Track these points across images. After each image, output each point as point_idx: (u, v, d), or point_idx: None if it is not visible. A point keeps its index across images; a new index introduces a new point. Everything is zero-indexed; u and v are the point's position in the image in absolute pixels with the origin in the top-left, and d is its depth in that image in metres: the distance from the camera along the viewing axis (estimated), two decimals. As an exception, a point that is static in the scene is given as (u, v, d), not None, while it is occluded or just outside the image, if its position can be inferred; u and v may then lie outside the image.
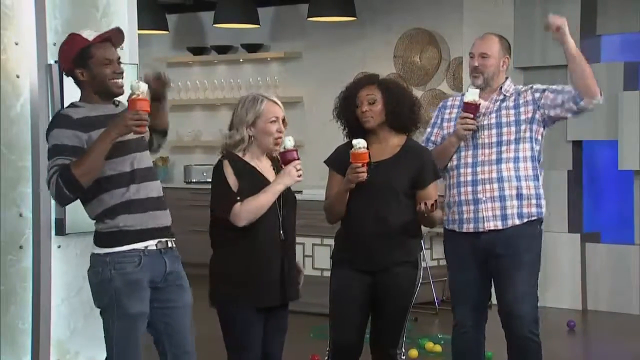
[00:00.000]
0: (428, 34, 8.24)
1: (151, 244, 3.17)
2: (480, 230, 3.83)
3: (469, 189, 3.85)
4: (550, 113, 3.87)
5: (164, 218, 3.24)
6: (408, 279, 3.73)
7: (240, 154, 3.47)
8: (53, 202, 3.80)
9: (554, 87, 3.92)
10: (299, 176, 3.43)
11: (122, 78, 3.18)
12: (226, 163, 3.43)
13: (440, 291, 7.30)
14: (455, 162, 3.90)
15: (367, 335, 3.79)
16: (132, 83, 3.07)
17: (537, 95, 3.89)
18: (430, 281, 7.10)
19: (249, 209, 3.38)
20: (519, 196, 3.83)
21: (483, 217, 3.82)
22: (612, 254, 7.05)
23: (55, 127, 3.12)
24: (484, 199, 3.82)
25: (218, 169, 3.45)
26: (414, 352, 5.58)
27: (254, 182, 3.44)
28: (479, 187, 3.83)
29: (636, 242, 7.01)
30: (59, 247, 3.83)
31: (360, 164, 3.56)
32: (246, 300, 3.41)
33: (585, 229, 7.25)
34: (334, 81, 9.27)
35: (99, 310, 3.19)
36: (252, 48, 9.15)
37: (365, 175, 3.57)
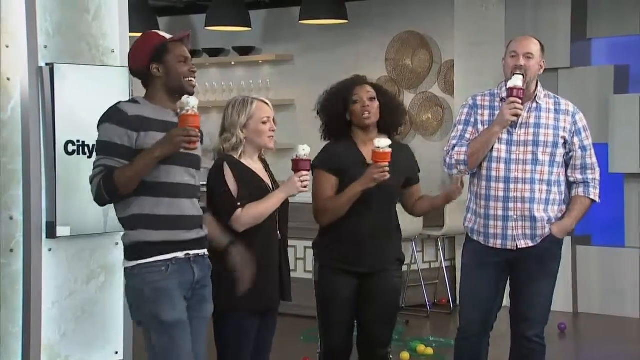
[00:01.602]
0: (420, 37, 8.26)
1: (179, 255, 3.12)
2: (509, 247, 3.77)
3: (500, 204, 3.75)
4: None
5: (194, 233, 3.17)
6: (398, 277, 3.77)
7: (236, 156, 3.48)
8: (44, 205, 3.80)
9: (586, 156, 3.83)
10: (303, 187, 3.45)
11: (195, 78, 3.18)
12: (226, 166, 3.44)
13: (432, 294, 7.32)
14: (484, 172, 3.78)
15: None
16: (182, 99, 3.06)
17: (574, 138, 3.80)
18: (421, 284, 7.11)
19: (250, 216, 3.39)
20: (550, 219, 3.76)
21: (513, 235, 3.76)
22: (603, 257, 7.08)
23: (108, 121, 3.08)
24: (515, 217, 3.75)
25: (218, 172, 3.44)
26: (405, 355, 5.59)
27: (252, 185, 3.45)
28: (511, 205, 3.74)
29: (627, 245, 7.04)
30: (49, 250, 3.82)
31: (386, 163, 3.55)
32: (246, 304, 3.41)
33: (576, 231, 7.26)
34: (325, 84, 9.21)
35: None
36: (243, 51, 9.14)
37: (388, 175, 3.57)
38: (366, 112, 3.69)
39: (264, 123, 3.48)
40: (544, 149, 3.76)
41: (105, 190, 3.04)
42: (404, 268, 7.47)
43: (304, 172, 3.44)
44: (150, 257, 3.09)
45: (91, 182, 3.09)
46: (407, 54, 8.33)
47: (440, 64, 8.22)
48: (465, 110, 3.89)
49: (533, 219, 3.76)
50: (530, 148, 3.76)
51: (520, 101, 3.69)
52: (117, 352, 3.94)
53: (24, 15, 3.77)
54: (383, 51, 8.41)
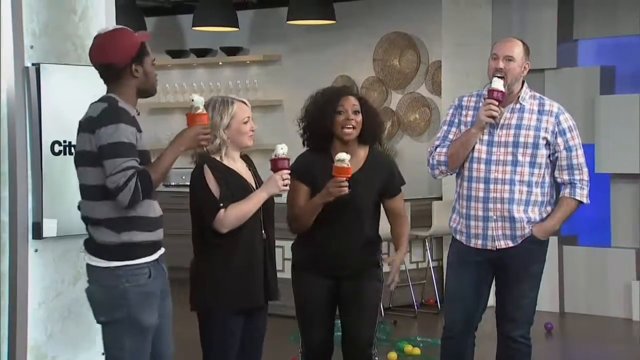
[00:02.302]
0: (407, 38, 8.27)
1: (156, 256, 3.17)
2: (489, 247, 3.80)
3: (480, 204, 3.78)
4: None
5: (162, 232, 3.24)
6: (375, 278, 3.79)
7: (217, 158, 3.48)
8: (30, 205, 3.78)
9: (568, 154, 3.83)
10: (284, 185, 3.45)
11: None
12: (206, 168, 3.44)
13: (419, 294, 7.33)
14: (466, 173, 3.80)
15: (340, 339, 3.82)
16: (194, 98, 3.16)
17: (557, 139, 3.81)
18: (409, 284, 7.13)
19: (233, 217, 3.39)
20: (529, 220, 3.77)
21: (493, 235, 3.79)
22: (589, 257, 7.11)
23: (120, 122, 3.04)
24: (495, 217, 3.77)
25: (198, 176, 3.45)
26: (393, 355, 5.60)
27: (235, 185, 3.45)
28: (490, 205, 3.76)
29: (613, 245, 7.08)
30: (36, 251, 3.80)
31: (344, 178, 3.57)
32: (231, 303, 3.42)
33: (563, 231, 7.30)
34: (313, 84, 9.23)
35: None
36: (231, 51, 9.14)
37: (347, 189, 3.59)
38: (349, 126, 3.69)
39: (244, 123, 3.50)
40: (524, 150, 3.78)
41: (143, 190, 3.03)
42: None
43: (285, 171, 3.45)
44: (137, 258, 3.10)
45: (121, 187, 2.99)
46: (395, 54, 8.34)
47: (427, 64, 8.24)
48: (451, 111, 3.92)
49: (512, 219, 3.77)
50: (510, 149, 3.78)
51: (496, 103, 3.71)
52: (103, 353, 3.93)
53: (9, 16, 3.75)
54: (371, 52, 8.42)
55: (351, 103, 3.71)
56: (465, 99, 3.92)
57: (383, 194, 3.79)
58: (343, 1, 8.44)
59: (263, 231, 3.50)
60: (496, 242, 3.80)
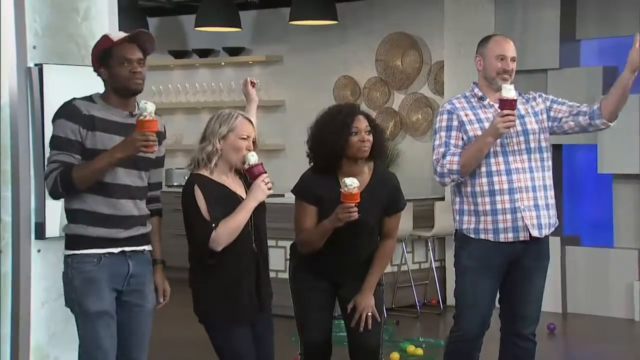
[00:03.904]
0: (409, 38, 8.27)
1: (113, 250, 3.24)
2: (521, 239, 3.77)
3: (506, 197, 3.76)
4: (564, 126, 3.86)
5: (134, 231, 3.27)
6: (377, 284, 3.76)
7: (207, 173, 3.44)
8: (33, 206, 3.79)
9: (561, 99, 3.92)
10: (269, 189, 3.44)
11: (141, 78, 3.26)
12: (196, 188, 3.41)
13: (422, 295, 7.33)
14: (483, 169, 3.78)
15: (346, 343, 3.82)
16: (141, 104, 3.19)
17: (548, 104, 3.88)
18: (411, 284, 7.12)
19: (225, 233, 3.37)
20: (547, 206, 3.81)
21: (524, 225, 3.76)
22: (592, 257, 7.10)
23: (62, 117, 3.23)
24: (523, 207, 3.77)
25: (189, 196, 3.43)
26: (395, 356, 5.59)
27: (225, 201, 3.42)
28: (517, 196, 3.76)
29: (615, 246, 7.07)
30: (38, 251, 3.81)
31: (353, 204, 3.55)
32: (226, 317, 3.42)
33: (565, 232, 7.30)
34: (315, 85, 9.32)
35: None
36: (233, 51, 9.14)
37: (357, 214, 3.56)
38: (365, 146, 3.66)
39: (242, 139, 3.44)
40: (533, 137, 3.82)
41: (62, 185, 3.18)
42: (394, 269, 7.49)
43: (263, 175, 3.42)
44: (85, 249, 3.23)
45: (47, 178, 3.22)
46: (397, 54, 8.34)
47: (430, 64, 8.23)
48: (445, 116, 3.86)
49: (538, 207, 3.79)
50: (522, 138, 3.81)
51: (514, 113, 3.70)
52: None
53: (12, 16, 3.76)
54: (373, 52, 8.42)
55: (364, 123, 3.70)
56: (455, 101, 3.91)
57: (385, 212, 3.77)
58: (345, 1, 8.44)
59: (254, 244, 3.47)
60: (527, 231, 3.77)
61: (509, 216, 3.77)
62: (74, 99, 3.29)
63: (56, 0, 3.89)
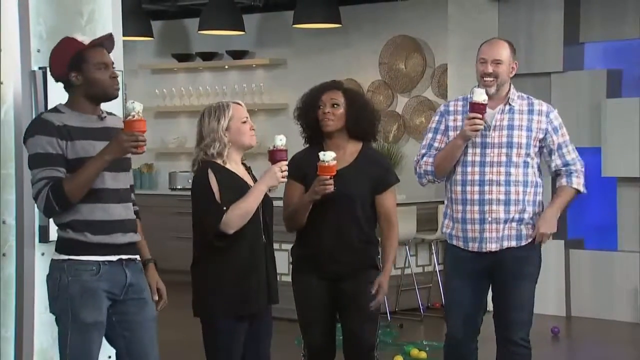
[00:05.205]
0: (413, 41, 8.27)
1: (112, 258, 3.16)
2: (484, 250, 3.80)
3: (476, 207, 3.77)
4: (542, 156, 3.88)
5: (129, 237, 3.21)
6: (373, 280, 3.75)
7: (220, 162, 3.47)
8: (37, 209, 3.78)
9: (563, 150, 3.86)
10: (283, 177, 3.45)
11: (118, 84, 3.18)
12: (210, 173, 3.43)
13: (425, 298, 7.32)
14: (459, 177, 3.81)
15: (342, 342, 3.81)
16: (128, 104, 3.07)
17: (548, 136, 3.83)
18: (415, 288, 7.12)
19: (237, 215, 3.39)
20: (521, 220, 3.80)
21: (489, 237, 3.78)
22: (596, 260, 7.09)
23: (36, 133, 3.09)
24: (490, 219, 3.77)
25: (202, 179, 3.44)
26: (399, 359, 5.59)
27: (237, 189, 3.45)
28: (486, 207, 3.76)
29: (619, 249, 7.06)
30: (42, 254, 3.80)
31: (328, 177, 3.57)
32: (233, 308, 3.41)
33: (569, 235, 7.29)
34: (319, 88, 9.32)
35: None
36: (237, 55, 9.15)
37: (332, 187, 3.59)
38: (326, 118, 3.70)
39: (243, 122, 3.50)
40: (517, 151, 3.79)
41: (55, 199, 3.04)
42: (398, 272, 7.48)
43: (283, 162, 3.44)
44: (83, 255, 3.12)
45: (36, 198, 3.08)
46: (401, 58, 8.34)
47: (433, 68, 8.23)
48: (436, 117, 3.92)
49: (509, 220, 3.78)
50: (504, 150, 3.79)
51: (480, 116, 3.71)
52: (110, 357, 3.93)
53: (16, 19, 3.76)
54: (376, 55, 8.42)
55: (329, 97, 3.73)
56: (452, 103, 3.93)
57: (375, 190, 3.77)
58: (349, 5, 8.44)
59: (263, 235, 3.49)
60: (492, 244, 3.79)
61: (477, 226, 3.79)
62: (42, 113, 3.21)
63: (60, 3, 3.89)
